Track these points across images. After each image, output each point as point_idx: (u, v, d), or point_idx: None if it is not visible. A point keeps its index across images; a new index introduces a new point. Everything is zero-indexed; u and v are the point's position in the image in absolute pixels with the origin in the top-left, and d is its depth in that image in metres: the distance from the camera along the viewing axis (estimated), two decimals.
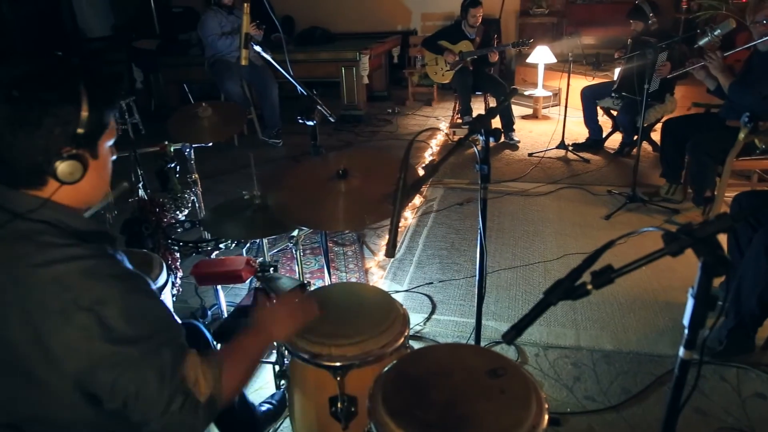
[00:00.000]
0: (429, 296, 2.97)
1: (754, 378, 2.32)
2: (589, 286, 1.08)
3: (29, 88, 1.01)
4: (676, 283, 3.00)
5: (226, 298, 2.43)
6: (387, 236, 1.34)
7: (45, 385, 1.04)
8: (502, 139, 5.39)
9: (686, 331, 1.12)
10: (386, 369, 1.28)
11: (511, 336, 1.13)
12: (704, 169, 3.56)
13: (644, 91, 3.64)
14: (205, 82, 6.04)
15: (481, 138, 1.62)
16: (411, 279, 3.16)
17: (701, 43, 3.45)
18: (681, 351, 1.15)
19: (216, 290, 2.38)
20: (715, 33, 3.35)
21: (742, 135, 2.16)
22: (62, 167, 1.03)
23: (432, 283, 3.10)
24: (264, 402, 2.16)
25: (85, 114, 1.04)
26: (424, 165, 1.43)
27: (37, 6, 6.67)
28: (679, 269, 3.11)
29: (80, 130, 1.04)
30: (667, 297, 2.90)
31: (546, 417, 1.15)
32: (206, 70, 5.59)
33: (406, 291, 3.03)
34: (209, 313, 2.50)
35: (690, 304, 1.08)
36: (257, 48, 1.87)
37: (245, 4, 1.86)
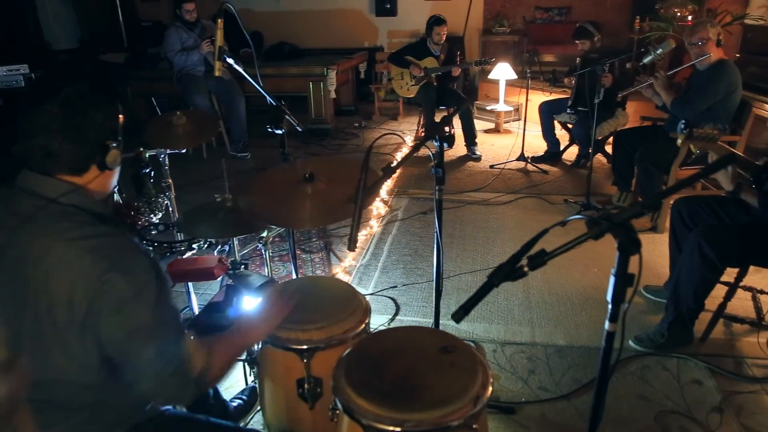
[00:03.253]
0: (393, 299, 3.11)
1: (692, 366, 2.52)
2: (526, 268, 1.23)
3: (85, 94, 1.22)
4: None
5: (197, 302, 2.52)
6: (357, 237, 1.47)
7: (70, 348, 1.19)
8: (455, 148, 5.59)
9: (609, 306, 1.27)
10: (348, 350, 1.41)
11: (459, 315, 1.27)
12: (650, 178, 3.80)
13: (594, 104, 3.87)
14: (173, 96, 6.11)
15: (435, 144, 1.77)
16: (376, 283, 3.29)
17: (645, 60, 3.71)
18: (606, 324, 1.30)
19: (188, 293, 2.48)
20: (657, 52, 3.61)
21: (679, 141, 2.35)
22: (111, 154, 1.25)
23: (396, 286, 3.24)
24: (235, 398, 2.26)
25: (122, 114, 1.28)
26: (382, 167, 1.56)
27: (1, 18, 6.65)
28: None
29: (119, 126, 1.27)
30: None
31: (490, 389, 1.29)
32: (174, 84, 5.67)
33: (371, 294, 3.15)
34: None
35: (612, 281, 1.24)
36: (230, 60, 2.00)
37: (219, 20, 1.99)
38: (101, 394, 1.26)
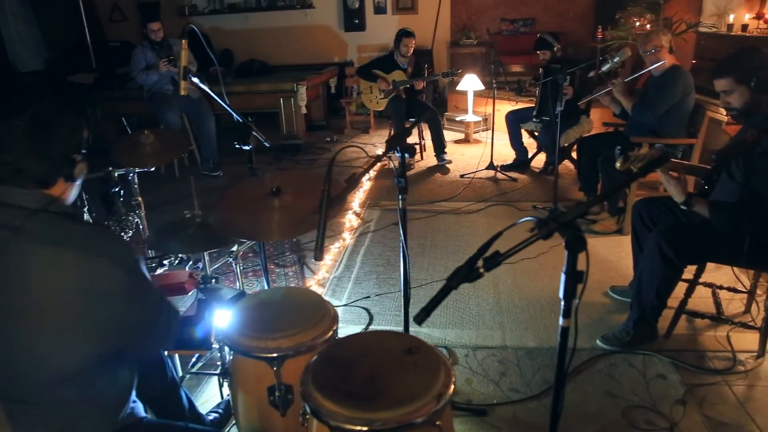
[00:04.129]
0: (366, 309, 3.15)
1: (657, 362, 2.60)
2: (481, 269, 1.29)
3: (52, 111, 1.30)
4: (592, 286, 3.28)
5: None
6: (323, 247, 1.52)
7: (62, 344, 1.28)
8: (426, 159, 5.67)
9: (562, 302, 1.34)
10: (315, 355, 1.46)
11: (421, 317, 1.33)
12: (614, 182, 3.91)
13: (557, 113, 3.99)
14: (143, 115, 6.10)
15: (397, 154, 1.83)
16: (349, 294, 3.33)
17: (604, 69, 3.85)
18: (561, 320, 1.36)
19: None
20: (615, 60, 3.75)
21: (617, 165, 2.45)
22: (78, 167, 1.35)
23: (369, 296, 3.28)
24: (211, 411, 2.28)
25: (87, 130, 1.37)
26: (346, 178, 1.63)
27: None
28: (594, 273, 3.41)
29: (84, 140, 1.36)
30: (585, 298, 3.05)
31: (452, 387, 1.34)
32: (145, 103, 5.68)
33: (345, 305, 3.19)
34: None
35: (563, 279, 1.31)
36: (195, 79, 2.05)
37: (183, 41, 2.04)
38: (78, 393, 1.31)
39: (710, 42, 5.34)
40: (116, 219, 2.41)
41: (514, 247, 1.29)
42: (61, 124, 1.31)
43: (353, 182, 1.67)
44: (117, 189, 2.42)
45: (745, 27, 5.12)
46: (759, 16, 4.93)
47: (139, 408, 1.49)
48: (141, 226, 2.72)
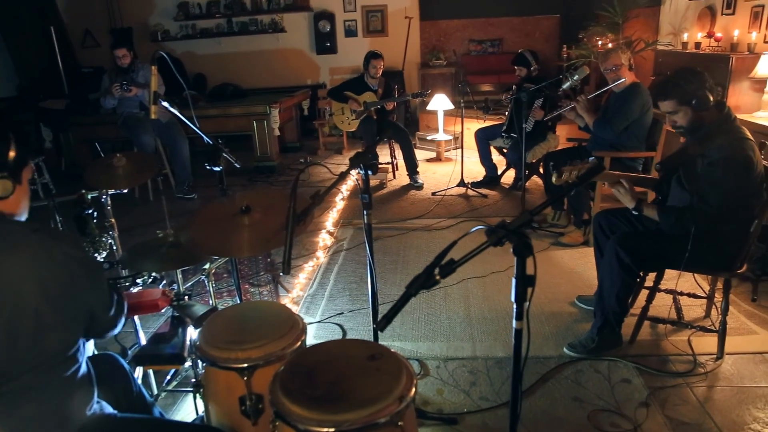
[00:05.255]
0: (340, 325, 3.20)
1: (621, 367, 2.70)
2: (438, 277, 1.37)
3: None
4: (560, 296, 3.39)
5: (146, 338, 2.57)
6: (296, 271, 1.59)
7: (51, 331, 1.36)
8: (398, 178, 5.77)
9: (514, 306, 1.42)
10: (283, 364, 1.52)
11: (383, 324, 1.40)
12: (578, 196, 4.04)
13: (522, 130, 4.12)
14: (117, 140, 6.11)
15: (361, 172, 1.92)
16: (323, 311, 3.38)
17: (564, 86, 4.00)
18: (514, 323, 1.44)
19: (136, 330, 2.53)
20: (574, 78, 3.91)
21: (554, 179, 2.58)
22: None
23: (342, 313, 3.34)
24: None
25: (12, 150, 1.38)
26: (310, 195, 1.71)
27: None
28: (561, 283, 3.52)
29: (9, 160, 1.38)
30: (552, 308, 3.27)
31: (414, 389, 1.41)
32: (119, 127, 5.71)
33: (318, 322, 3.25)
34: (129, 352, 2.63)
35: (513, 283, 1.39)
36: (164, 103, 2.12)
37: (153, 67, 2.11)
38: (40, 383, 1.36)
39: (667, 59, 5.58)
40: (89, 240, 2.45)
41: (467, 255, 1.37)
42: None
43: (318, 199, 1.74)
44: (90, 211, 2.46)
45: (698, 45, 5.36)
46: (710, 35, 5.16)
47: (107, 406, 1.54)
48: (114, 247, 2.76)
